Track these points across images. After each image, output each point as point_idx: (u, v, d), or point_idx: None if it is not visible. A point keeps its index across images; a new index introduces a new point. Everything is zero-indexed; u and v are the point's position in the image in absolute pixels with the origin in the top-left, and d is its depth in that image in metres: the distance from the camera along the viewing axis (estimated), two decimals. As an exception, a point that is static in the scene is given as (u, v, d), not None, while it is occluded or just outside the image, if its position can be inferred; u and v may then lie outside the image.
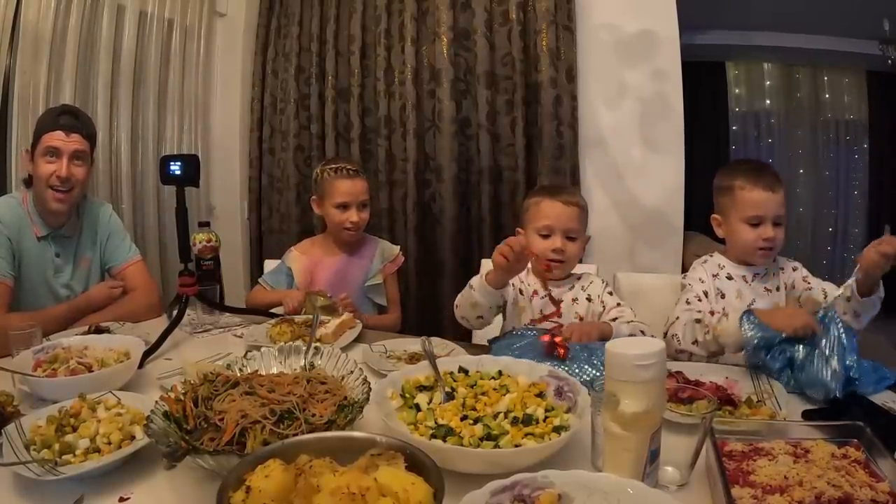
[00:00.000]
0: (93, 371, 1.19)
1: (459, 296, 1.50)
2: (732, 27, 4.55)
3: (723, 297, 1.56)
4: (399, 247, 2.11)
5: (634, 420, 0.74)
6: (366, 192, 1.97)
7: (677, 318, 1.47)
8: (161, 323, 1.60)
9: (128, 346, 1.32)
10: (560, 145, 2.44)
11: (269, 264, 2.26)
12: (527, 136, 2.50)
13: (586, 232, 1.65)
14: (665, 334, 1.45)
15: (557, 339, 1.25)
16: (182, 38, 2.84)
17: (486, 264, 2.16)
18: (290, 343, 1.25)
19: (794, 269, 1.59)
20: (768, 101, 5.38)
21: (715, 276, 1.60)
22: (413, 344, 1.43)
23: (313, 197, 2.03)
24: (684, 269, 2.43)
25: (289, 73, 2.88)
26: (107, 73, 2.50)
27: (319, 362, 1.15)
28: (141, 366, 1.32)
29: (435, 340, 1.42)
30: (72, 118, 1.72)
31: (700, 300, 1.56)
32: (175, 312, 1.57)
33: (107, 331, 1.56)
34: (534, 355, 1.21)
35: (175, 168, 1.55)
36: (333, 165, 1.98)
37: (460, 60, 2.59)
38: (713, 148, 4.95)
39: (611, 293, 1.61)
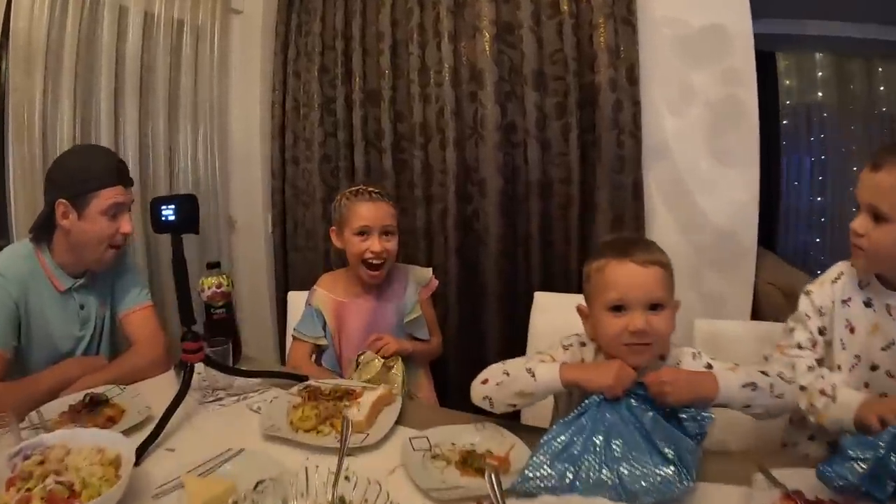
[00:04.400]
0: (73, 490, 0.95)
1: (497, 373, 1.18)
2: (783, 15, 4.16)
3: (852, 331, 1.23)
4: (431, 269, 1.87)
5: None
6: (390, 217, 1.71)
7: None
8: (167, 385, 1.34)
9: (118, 448, 1.06)
10: (620, 156, 2.13)
11: (295, 298, 2.00)
12: (581, 145, 2.19)
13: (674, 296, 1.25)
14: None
15: None
16: (194, 40, 2.57)
17: (542, 299, 1.90)
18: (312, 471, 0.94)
19: None
20: (820, 94, 4.97)
21: (846, 301, 1.25)
22: (462, 433, 1.17)
23: (332, 227, 1.77)
24: (756, 298, 2.18)
25: (312, 74, 2.59)
26: (110, 83, 2.24)
27: (351, 497, 0.88)
28: (137, 462, 1.06)
29: (489, 428, 1.17)
30: (126, 167, 1.56)
31: (815, 344, 1.26)
32: (180, 381, 1.30)
33: (104, 401, 1.33)
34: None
35: (168, 213, 1.28)
36: (353, 188, 1.73)
37: (504, 59, 2.26)
38: (763, 144, 4.54)
39: (712, 361, 1.20)
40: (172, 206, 1.28)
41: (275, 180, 2.76)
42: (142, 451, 1.13)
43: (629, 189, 2.13)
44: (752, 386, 1.06)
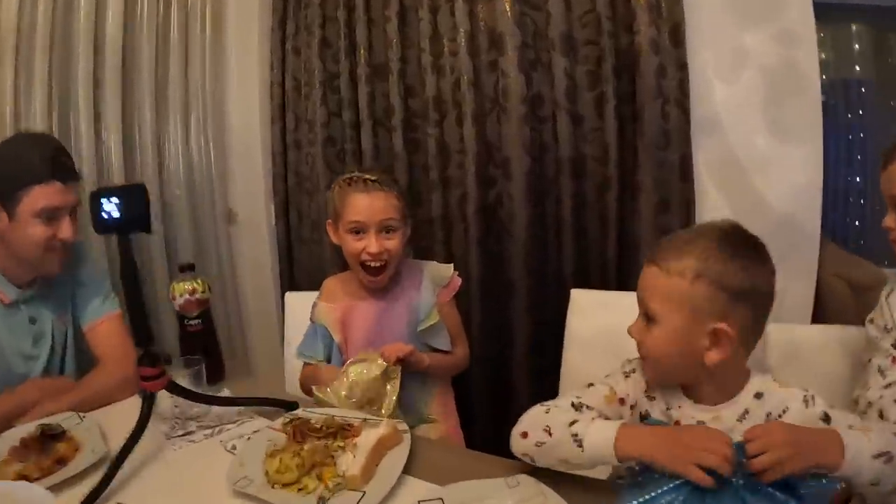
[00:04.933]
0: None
1: (537, 427, 0.96)
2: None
3: None
4: (452, 265, 1.59)
5: None
6: (391, 209, 1.43)
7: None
8: (136, 411, 1.09)
9: None
10: (665, 130, 1.83)
11: (293, 300, 1.77)
12: (619, 118, 1.90)
13: None
14: None
15: None
16: (182, 18, 2.34)
17: (580, 297, 1.63)
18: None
19: None
20: (858, 68, 4.64)
21: None
22: (490, 491, 0.91)
23: (328, 221, 1.51)
24: (819, 293, 1.88)
25: (312, 49, 2.32)
26: (88, 70, 2.05)
27: None
28: None
29: (525, 485, 0.91)
30: (68, 159, 1.31)
31: (894, 361, 1.04)
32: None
33: (59, 434, 1.14)
34: None
35: (111, 208, 1.04)
36: (347, 176, 1.46)
37: (527, 21, 1.97)
38: None
39: (830, 411, 0.91)
40: (116, 200, 1.03)
41: (275, 167, 2.51)
42: (89, 504, 0.91)
43: (675, 168, 1.84)
44: (887, 457, 0.79)
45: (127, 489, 0.99)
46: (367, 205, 1.40)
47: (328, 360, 1.49)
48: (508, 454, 1.01)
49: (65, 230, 1.29)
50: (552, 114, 1.97)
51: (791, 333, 1.36)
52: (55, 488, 0.96)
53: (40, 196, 1.24)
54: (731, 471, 0.76)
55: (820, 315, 1.89)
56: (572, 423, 0.92)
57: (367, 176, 1.43)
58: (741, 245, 0.94)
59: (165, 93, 2.33)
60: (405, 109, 2.17)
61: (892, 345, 1.06)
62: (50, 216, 1.27)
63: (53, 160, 1.26)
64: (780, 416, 0.93)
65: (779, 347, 1.34)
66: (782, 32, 1.81)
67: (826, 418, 0.89)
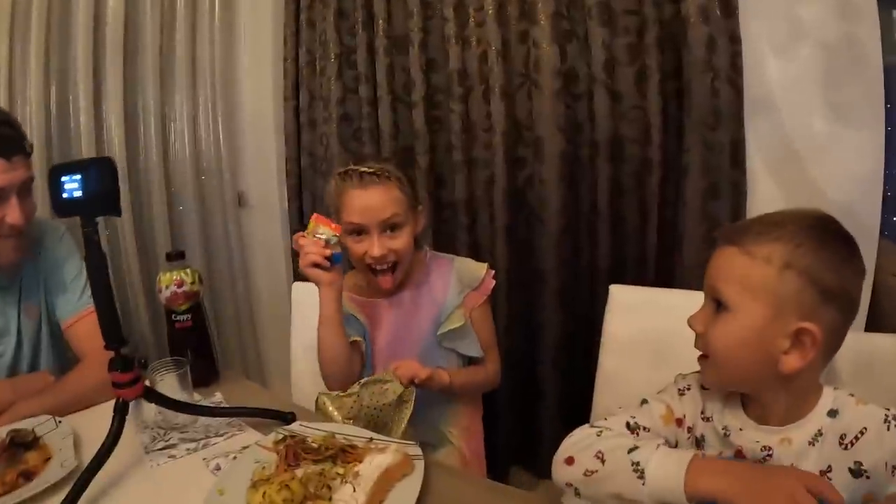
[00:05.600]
0: None
1: (587, 453, 0.83)
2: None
3: None
4: (487, 265, 1.45)
5: None
6: (393, 205, 1.27)
7: None
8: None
9: None
10: (715, 109, 1.68)
11: (301, 290, 1.67)
12: (662, 95, 1.75)
13: None
14: None
15: None
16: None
17: (622, 294, 1.49)
18: None
19: None
20: None
21: None
22: None
23: (331, 217, 1.35)
24: (875, 294, 1.70)
25: (328, 21, 2.19)
26: (87, 43, 1.97)
27: None
28: None
29: None
30: (8, 129, 1.15)
31: None
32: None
33: (30, 442, 1.05)
34: None
35: (72, 186, 0.90)
36: (342, 169, 1.31)
37: (562, -12, 1.82)
38: None
39: None
40: (79, 177, 0.89)
41: (288, 148, 2.40)
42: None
43: (726, 151, 1.69)
44: None
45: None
46: (364, 203, 1.26)
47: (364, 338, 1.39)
48: (533, 465, 0.89)
49: (12, 213, 1.16)
50: (588, 90, 1.83)
51: (867, 343, 1.17)
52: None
53: None
54: None
55: (875, 319, 1.72)
56: (632, 449, 0.79)
57: (363, 168, 1.27)
58: (836, 238, 0.81)
59: (171, 68, 2.24)
60: (427, 84, 2.03)
61: None
62: None
63: None
64: (856, 438, 0.79)
65: (850, 357, 1.14)
66: (842, 4, 1.64)
67: None
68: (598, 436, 0.85)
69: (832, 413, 0.82)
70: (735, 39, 1.67)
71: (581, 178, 1.88)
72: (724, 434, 0.86)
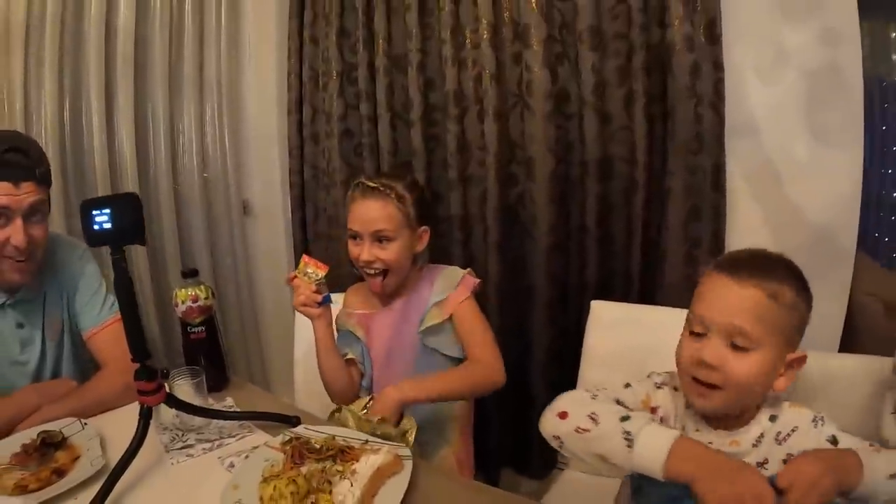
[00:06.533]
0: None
1: (581, 412, 0.94)
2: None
3: None
4: (468, 270, 1.59)
5: None
6: (384, 221, 1.43)
7: None
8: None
9: None
10: (698, 134, 1.80)
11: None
12: (648, 118, 1.86)
13: None
14: None
15: None
16: (197, 7, 2.38)
17: (601, 310, 1.63)
18: None
19: None
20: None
21: None
22: None
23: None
24: (850, 311, 1.84)
25: (330, 38, 2.32)
26: (99, 59, 2.09)
27: None
28: None
29: None
30: (19, 156, 1.27)
31: None
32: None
33: (59, 442, 1.19)
34: None
35: (102, 219, 1.03)
36: (357, 179, 1.49)
37: (554, 13, 1.94)
38: None
39: (839, 434, 0.93)
40: (108, 211, 1.03)
41: (292, 160, 2.53)
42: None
43: (707, 174, 1.80)
44: None
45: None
46: (361, 213, 1.44)
47: (361, 359, 1.55)
48: (523, 468, 1.02)
49: (16, 234, 1.27)
50: (579, 111, 1.94)
51: (823, 362, 1.31)
52: (52, 501, 1.01)
53: None
54: None
55: (850, 336, 1.85)
56: (625, 418, 0.90)
57: (369, 182, 1.44)
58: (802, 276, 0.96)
59: (179, 83, 2.37)
60: (424, 103, 2.16)
61: None
62: (3, 216, 1.27)
63: (1, 155, 1.24)
64: (788, 435, 0.94)
65: (811, 376, 1.27)
66: (825, 30, 1.75)
67: (833, 441, 0.90)
68: (593, 399, 0.97)
69: (772, 418, 0.96)
70: (718, 66, 1.78)
71: (571, 197, 2.00)
72: (682, 431, 0.96)
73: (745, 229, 1.86)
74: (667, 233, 1.86)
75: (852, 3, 1.73)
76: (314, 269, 1.39)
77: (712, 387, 0.92)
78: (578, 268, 2.02)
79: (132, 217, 1.06)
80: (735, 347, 0.91)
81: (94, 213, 1.02)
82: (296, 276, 1.41)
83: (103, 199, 1.08)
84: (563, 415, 0.95)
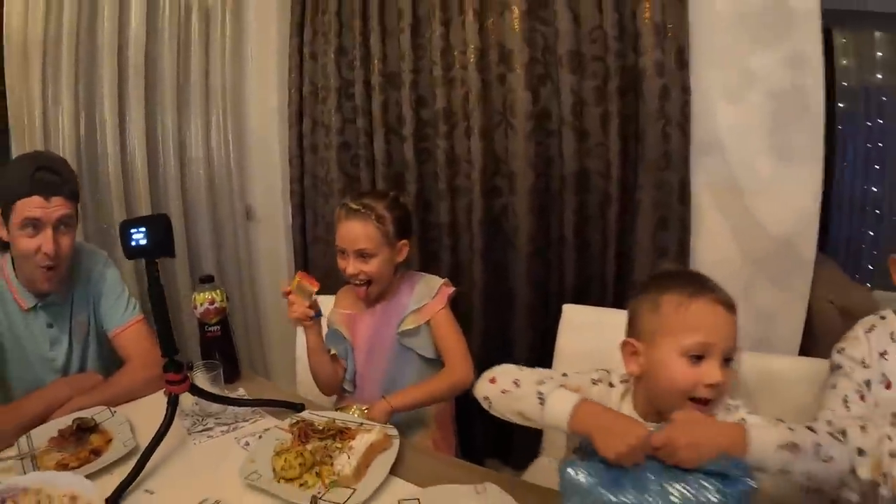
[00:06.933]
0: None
1: (507, 378, 1.12)
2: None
3: (888, 386, 1.13)
4: (445, 279, 1.76)
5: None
6: (364, 241, 1.62)
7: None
8: (160, 407, 1.32)
9: (89, 498, 1.07)
10: (666, 152, 1.98)
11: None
12: (622, 137, 2.04)
13: None
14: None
15: None
16: (203, 23, 2.53)
17: (572, 314, 1.80)
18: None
19: None
20: (879, 75, 4.66)
21: (882, 354, 1.15)
22: (460, 497, 1.10)
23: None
24: (809, 315, 2.02)
25: (328, 56, 2.50)
26: (112, 76, 2.25)
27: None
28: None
29: (491, 492, 1.10)
30: (49, 175, 1.46)
31: (863, 398, 1.13)
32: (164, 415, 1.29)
33: (93, 427, 1.36)
34: None
35: (139, 237, 1.23)
36: (343, 200, 1.69)
37: (537, 37, 2.12)
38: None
39: (748, 416, 1.08)
40: (143, 229, 1.23)
41: (293, 169, 2.72)
42: (119, 495, 1.13)
43: (675, 189, 1.99)
44: (792, 447, 0.93)
45: (153, 478, 1.21)
46: (345, 232, 1.63)
47: (345, 356, 1.75)
48: (501, 457, 1.21)
49: (46, 243, 1.44)
50: (558, 129, 2.12)
51: (765, 363, 1.48)
52: (90, 476, 1.18)
53: (22, 209, 1.42)
54: (641, 459, 0.93)
55: (810, 339, 2.02)
56: (540, 383, 1.07)
57: (352, 204, 1.63)
58: None
59: (187, 96, 2.54)
60: (416, 119, 2.34)
61: (865, 381, 1.15)
62: (34, 227, 1.44)
63: (32, 177, 1.43)
64: None
65: (750, 375, 1.46)
66: (790, 56, 1.91)
67: (742, 421, 1.05)
68: (519, 370, 1.15)
69: None
70: (686, 90, 1.96)
71: (550, 209, 2.18)
72: None
73: (710, 239, 2.05)
74: (637, 242, 2.05)
75: (816, 29, 1.88)
76: (307, 285, 1.58)
77: (706, 403, 1.06)
78: (557, 274, 2.20)
79: (163, 235, 1.27)
80: (725, 362, 1.06)
81: (132, 231, 1.23)
82: (291, 291, 1.59)
83: (139, 220, 1.29)
84: (492, 380, 1.14)
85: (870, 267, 4.75)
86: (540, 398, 1.04)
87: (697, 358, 1.04)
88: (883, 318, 1.20)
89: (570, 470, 0.94)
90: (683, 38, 1.94)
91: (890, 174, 4.56)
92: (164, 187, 2.50)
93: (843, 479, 1.00)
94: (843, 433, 1.06)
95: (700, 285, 1.08)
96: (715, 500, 0.87)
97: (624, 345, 1.15)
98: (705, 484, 0.89)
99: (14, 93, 2.00)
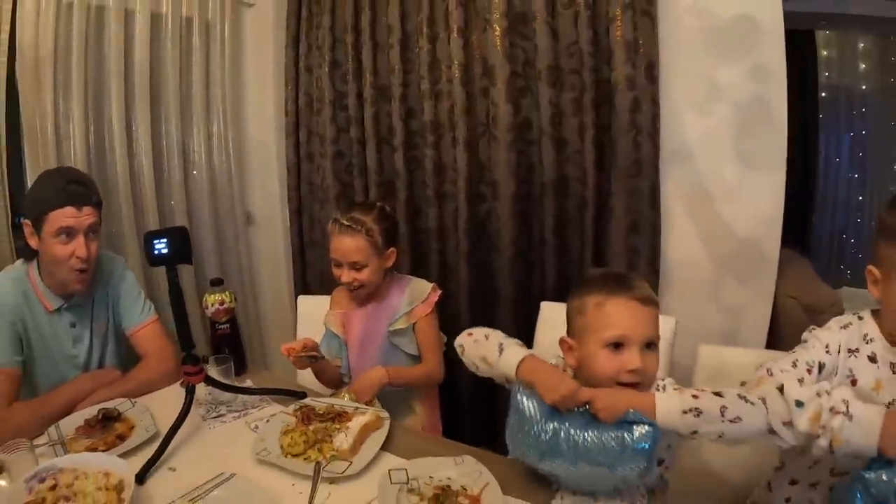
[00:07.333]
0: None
1: (481, 333, 1.35)
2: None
3: (853, 383, 1.21)
4: (433, 285, 1.93)
5: None
6: (356, 253, 1.78)
7: (773, 377, 1.19)
8: (176, 398, 1.51)
9: (122, 473, 1.23)
10: (637, 160, 2.15)
11: (304, 303, 2.20)
12: (597, 146, 2.22)
13: None
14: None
15: None
16: (204, 38, 2.69)
17: (549, 310, 1.98)
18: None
19: None
20: (862, 66, 4.99)
21: (852, 352, 1.24)
22: (441, 467, 1.29)
23: None
24: (775, 311, 2.19)
25: (323, 69, 2.68)
26: (120, 88, 2.40)
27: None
28: (142, 482, 1.27)
29: (468, 463, 1.28)
30: (79, 187, 1.63)
31: (810, 371, 1.22)
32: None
33: (116, 416, 1.52)
34: None
35: (161, 246, 1.43)
36: (335, 216, 1.84)
37: (517, 52, 2.29)
38: (800, 131, 4.45)
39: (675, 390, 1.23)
40: (165, 240, 1.42)
41: (290, 176, 2.89)
42: (145, 472, 1.30)
43: (646, 195, 2.16)
44: (695, 412, 1.08)
45: (175, 457, 1.37)
46: (339, 246, 1.78)
47: (339, 352, 1.91)
48: (486, 443, 1.40)
49: (80, 249, 1.59)
50: (538, 139, 2.29)
51: (721, 355, 1.63)
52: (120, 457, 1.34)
53: (56, 219, 1.56)
54: (572, 406, 1.14)
55: (775, 334, 2.18)
56: (505, 339, 1.29)
57: (343, 220, 1.78)
58: None
59: (189, 108, 2.70)
60: (406, 130, 2.52)
61: (819, 363, 1.22)
62: (68, 235, 1.58)
63: (64, 189, 1.57)
64: None
65: (708, 366, 1.63)
66: (755, 69, 2.06)
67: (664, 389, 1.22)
68: (492, 330, 1.34)
69: None
70: (656, 102, 2.13)
71: (531, 214, 2.36)
72: None
73: (680, 241, 2.22)
74: (611, 245, 2.23)
75: (780, 43, 2.03)
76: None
77: (634, 385, 1.18)
78: (538, 274, 2.38)
79: (182, 244, 1.46)
80: (647, 347, 1.21)
81: (155, 241, 1.42)
82: (290, 352, 1.71)
83: (161, 232, 1.47)
84: (469, 334, 1.36)
85: (853, 251, 4.98)
86: (500, 348, 1.26)
87: (617, 346, 1.20)
88: (861, 318, 1.27)
89: (519, 395, 1.19)
90: (653, 54, 2.10)
91: (872, 162, 4.75)
92: (170, 194, 2.65)
93: (776, 430, 1.11)
94: (781, 387, 1.16)
95: (616, 285, 1.24)
96: (614, 444, 1.09)
97: (561, 342, 1.32)
98: (612, 434, 1.10)
99: (28, 105, 2.14)
